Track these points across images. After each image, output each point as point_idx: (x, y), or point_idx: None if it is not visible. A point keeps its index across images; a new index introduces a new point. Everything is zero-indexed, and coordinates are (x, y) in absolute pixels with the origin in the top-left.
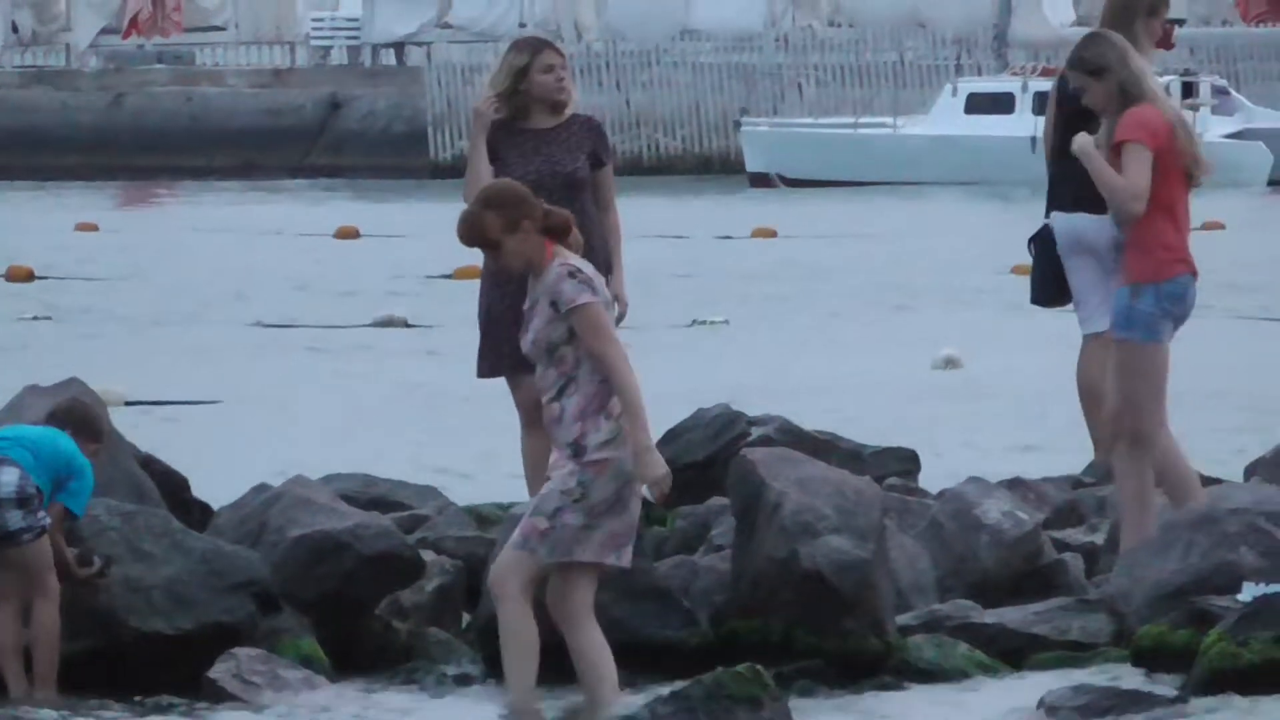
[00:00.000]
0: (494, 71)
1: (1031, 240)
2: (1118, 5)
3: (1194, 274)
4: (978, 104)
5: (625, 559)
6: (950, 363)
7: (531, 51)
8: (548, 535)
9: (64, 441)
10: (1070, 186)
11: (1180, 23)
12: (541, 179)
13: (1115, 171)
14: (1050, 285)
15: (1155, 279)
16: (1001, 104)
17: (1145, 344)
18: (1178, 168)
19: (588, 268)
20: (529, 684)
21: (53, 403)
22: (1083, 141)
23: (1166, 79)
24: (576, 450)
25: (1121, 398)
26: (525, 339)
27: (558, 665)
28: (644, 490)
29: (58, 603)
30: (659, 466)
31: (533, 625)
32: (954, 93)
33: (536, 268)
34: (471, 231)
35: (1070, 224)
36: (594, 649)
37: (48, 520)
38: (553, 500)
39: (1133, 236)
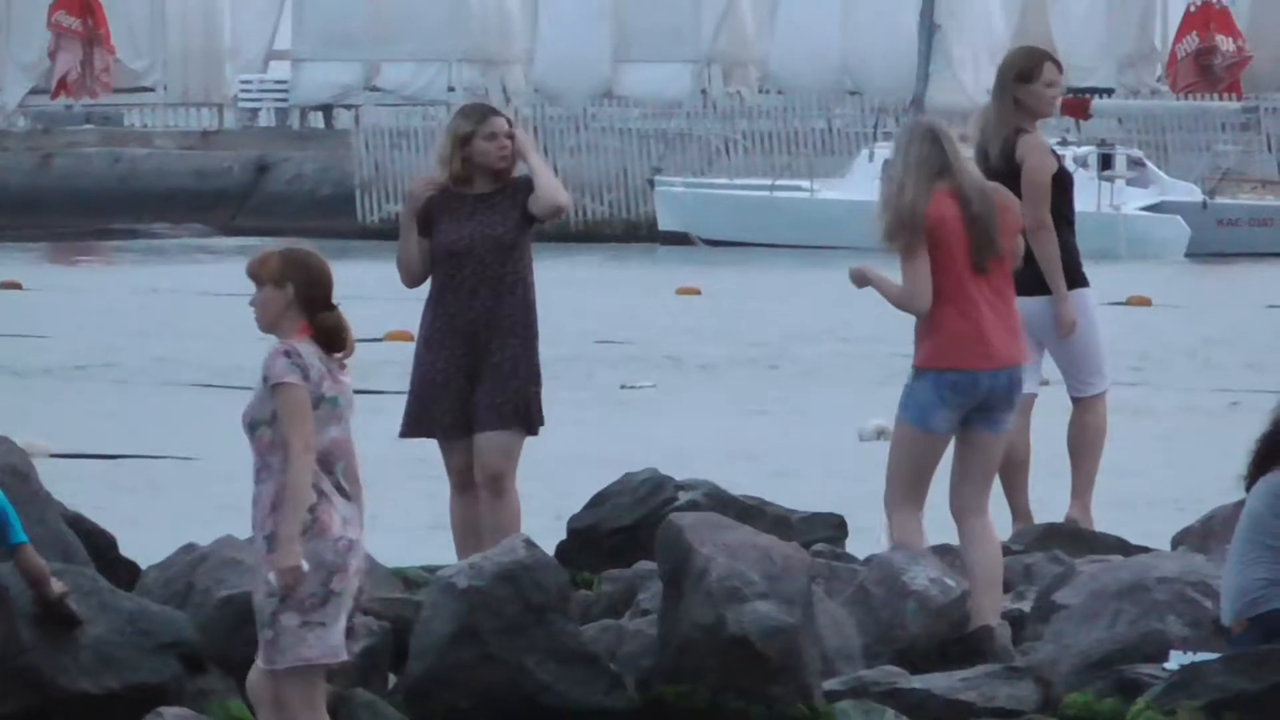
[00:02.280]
0: (440, 139)
1: None
2: (995, 77)
3: (997, 366)
4: None
5: (351, 651)
6: (881, 433)
7: (477, 119)
8: (276, 643)
9: None
10: None
11: (1108, 92)
12: (473, 244)
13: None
14: None
15: (935, 366)
16: None
17: (913, 427)
18: (962, 254)
19: (314, 358)
20: None
21: None
22: (857, 272)
23: (1084, 150)
24: (270, 545)
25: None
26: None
27: None
28: (270, 577)
29: None
30: (293, 559)
31: None
32: (870, 158)
33: (282, 337)
34: (255, 262)
35: None
36: None
37: None
38: (266, 607)
39: (919, 324)
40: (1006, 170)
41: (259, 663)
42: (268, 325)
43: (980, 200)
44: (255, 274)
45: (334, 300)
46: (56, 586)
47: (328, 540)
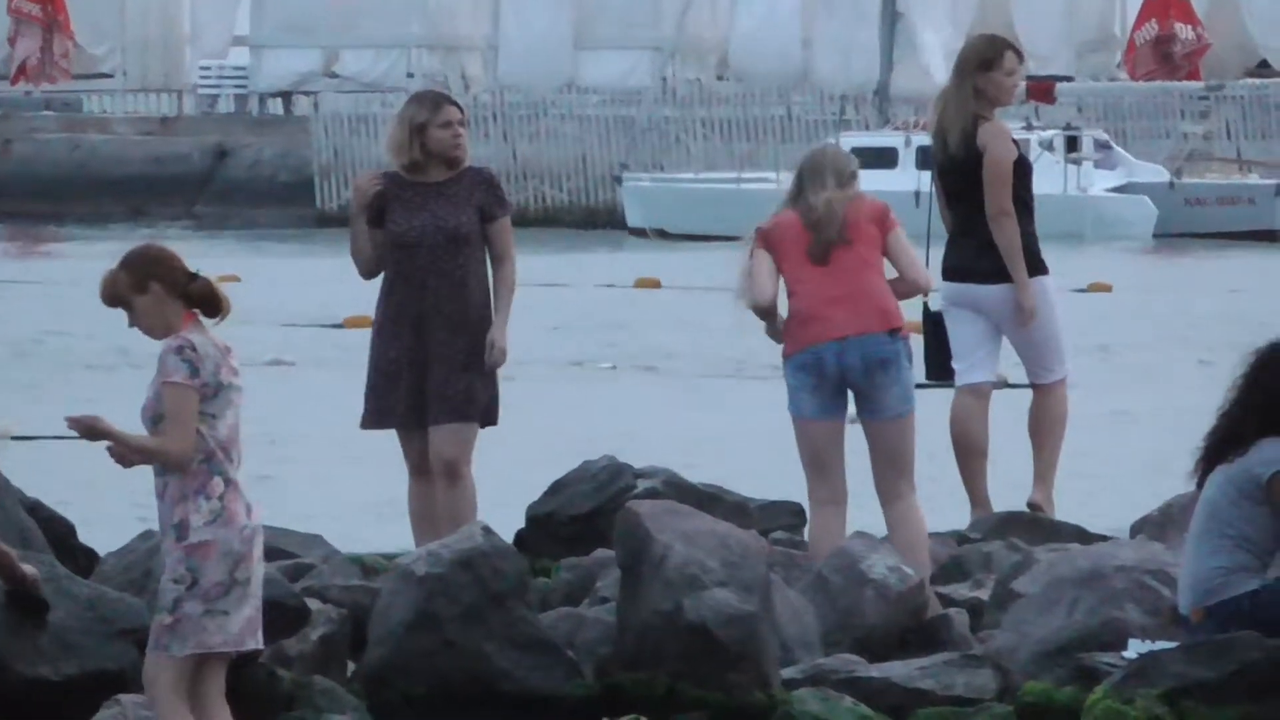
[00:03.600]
0: (392, 125)
1: (924, 318)
2: (955, 65)
3: (835, 336)
4: (861, 158)
5: (259, 640)
6: None
7: (431, 107)
8: (175, 629)
9: None
10: (961, 254)
11: (1068, 79)
12: (425, 234)
13: None
14: (941, 364)
15: (787, 353)
16: (885, 159)
17: (791, 417)
18: (797, 252)
19: (207, 347)
20: None
21: None
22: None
23: (1050, 133)
24: (180, 533)
25: None
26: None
27: None
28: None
29: None
30: (98, 428)
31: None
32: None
33: (175, 333)
34: (104, 289)
35: (960, 289)
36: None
37: None
38: (169, 592)
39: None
40: (966, 158)
41: (149, 648)
42: (161, 331)
43: (822, 206)
44: (115, 297)
45: (190, 269)
46: (27, 570)
47: (234, 528)
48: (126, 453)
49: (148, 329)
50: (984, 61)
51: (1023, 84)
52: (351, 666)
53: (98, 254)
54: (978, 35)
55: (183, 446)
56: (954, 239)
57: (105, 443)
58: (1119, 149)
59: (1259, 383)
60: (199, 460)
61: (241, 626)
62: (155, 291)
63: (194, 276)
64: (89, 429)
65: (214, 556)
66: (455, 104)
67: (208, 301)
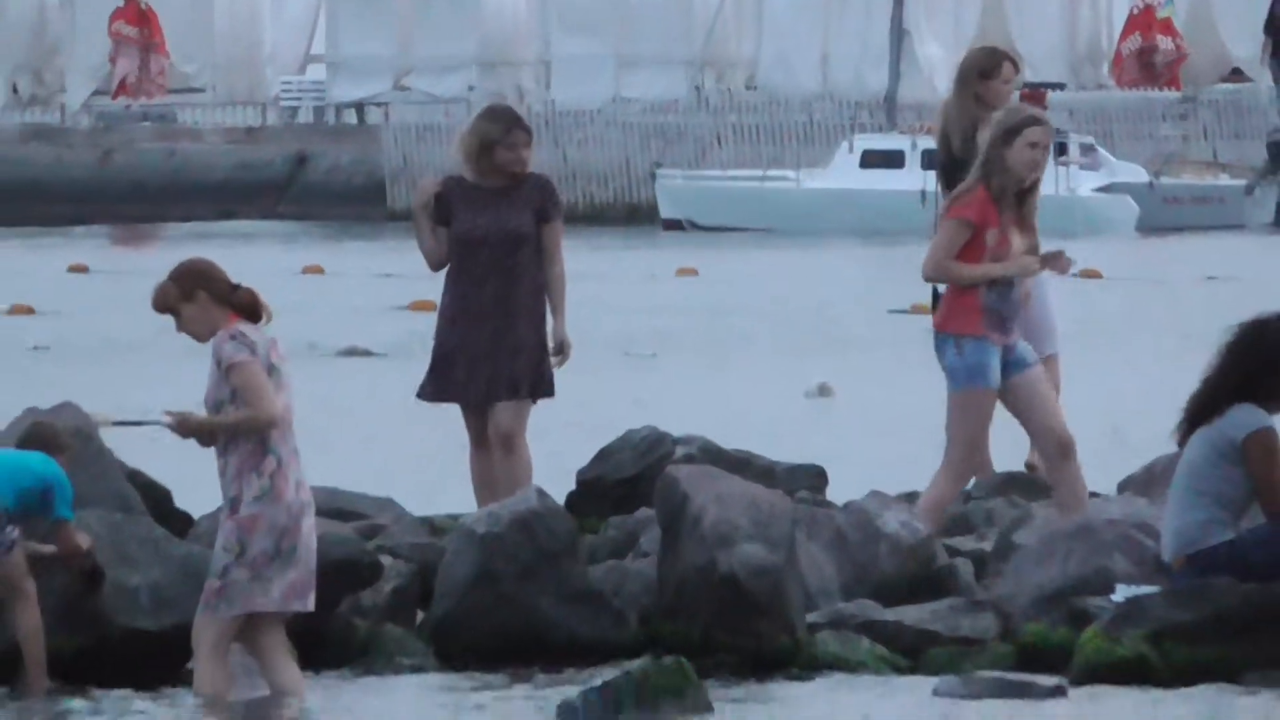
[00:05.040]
0: (464, 132)
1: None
2: (957, 74)
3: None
4: (871, 160)
5: (309, 604)
6: (823, 390)
7: (504, 128)
8: (223, 593)
9: (34, 461)
10: None
11: (1060, 87)
12: (488, 234)
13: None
14: None
15: (977, 333)
16: (893, 160)
17: (978, 389)
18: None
19: (255, 334)
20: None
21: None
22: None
23: None
24: (233, 507)
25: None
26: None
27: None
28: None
29: (35, 603)
30: (180, 421)
31: (224, 678)
32: (850, 149)
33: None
34: (156, 299)
35: None
36: (289, 682)
37: (15, 535)
38: (219, 559)
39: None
40: (967, 157)
41: (200, 608)
42: (207, 334)
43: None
44: (165, 307)
45: (234, 281)
46: (83, 540)
47: (281, 505)
48: (219, 434)
49: (195, 334)
50: (984, 71)
51: (1018, 92)
52: (420, 616)
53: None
54: (978, 47)
55: (269, 411)
56: None
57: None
58: (1103, 151)
59: (1236, 354)
60: (255, 440)
61: (284, 591)
62: (202, 300)
63: (236, 287)
64: (183, 427)
65: (261, 529)
66: (525, 128)
67: (250, 307)
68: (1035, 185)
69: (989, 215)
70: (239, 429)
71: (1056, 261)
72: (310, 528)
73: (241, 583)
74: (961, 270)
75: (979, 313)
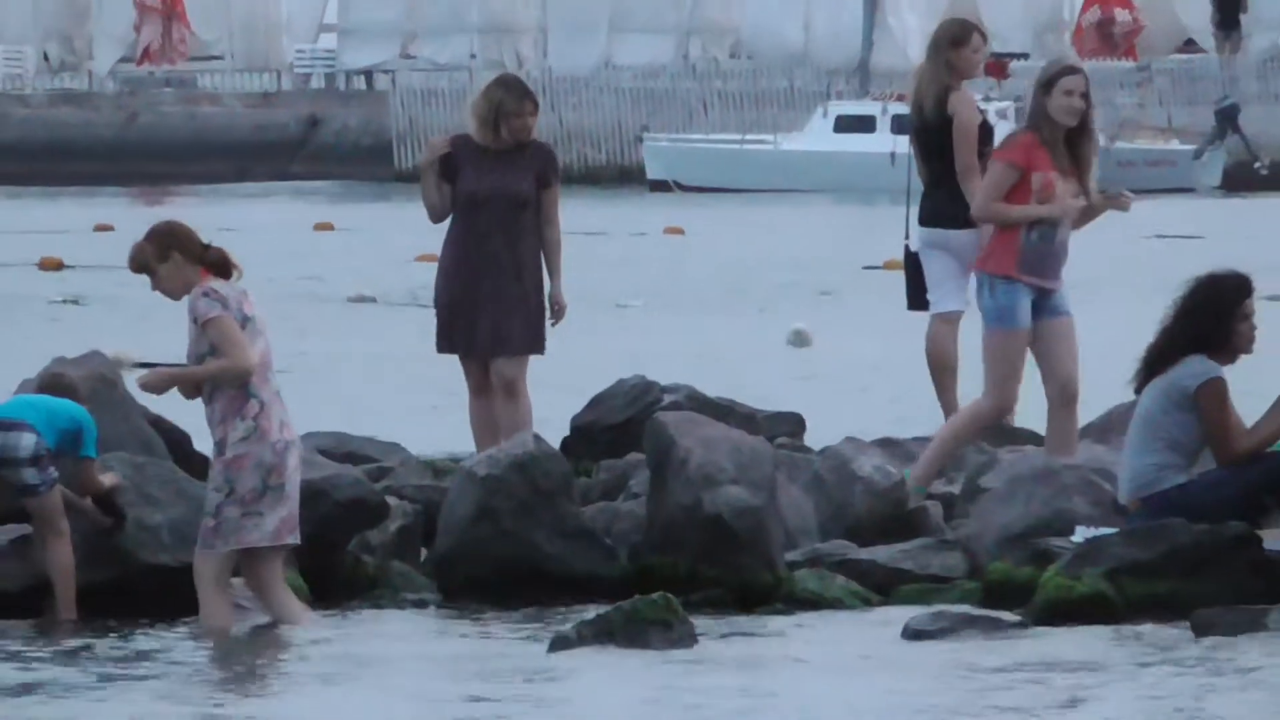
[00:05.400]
0: (479, 99)
1: (905, 257)
2: (930, 43)
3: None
4: (845, 124)
5: (298, 537)
6: (800, 336)
7: (516, 99)
8: (218, 530)
9: (66, 404)
10: (934, 203)
11: (1025, 56)
12: (492, 195)
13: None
14: (919, 296)
15: (1013, 275)
16: (865, 124)
17: (1011, 329)
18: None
19: (226, 289)
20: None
21: (52, 375)
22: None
23: (1004, 104)
24: (219, 449)
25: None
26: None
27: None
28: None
29: (69, 541)
30: (149, 379)
31: (226, 610)
32: (824, 114)
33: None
34: (132, 259)
35: (934, 233)
36: (290, 613)
37: (56, 474)
38: (211, 499)
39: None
40: (938, 122)
41: (198, 547)
42: (180, 292)
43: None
44: (141, 266)
45: (205, 241)
46: (108, 479)
47: (266, 443)
48: (198, 382)
49: (168, 291)
50: (955, 40)
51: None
52: (424, 553)
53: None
54: (949, 18)
55: (244, 360)
56: (928, 190)
57: (172, 389)
58: None
59: (1189, 308)
60: (236, 386)
61: (277, 525)
62: (175, 259)
63: (207, 247)
64: (157, 385)
65: (248, 468)
66: (534, 99)
67: (221, 265)
68: (1086, 132)
69: (1035, 159)
70: (215, 378)
71: (1118, 201)
72: (296, 466)
73: (234, 519)
74: (1008, 210)
75: (1016, 254)
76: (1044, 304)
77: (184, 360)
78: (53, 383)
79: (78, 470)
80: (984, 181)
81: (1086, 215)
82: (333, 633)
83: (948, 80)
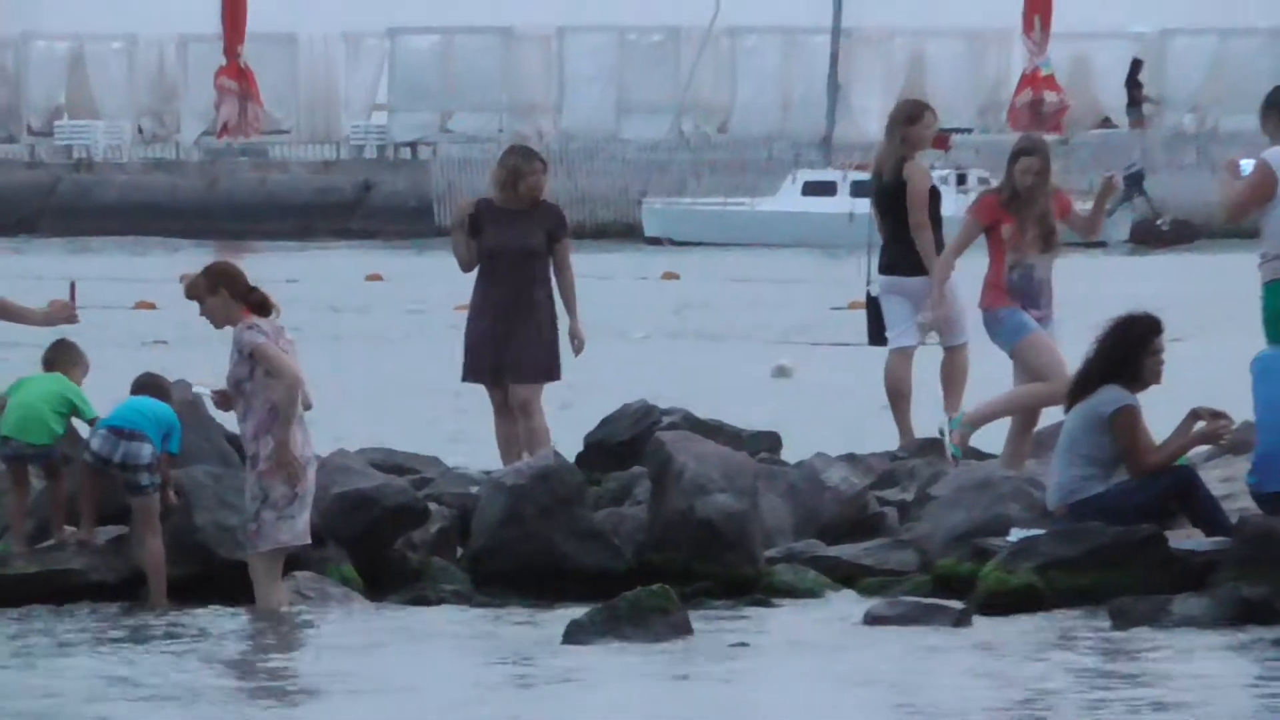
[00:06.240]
0: (496, 167)
1: (867, 301)
2: (889, 119)
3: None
4: (811, 189)
5: (309, 538)
6: (783, 371)
7: (526, 160)
8: (259, 532)
9: (159, 408)
10: (892, 255)
11: (967, 131)
12: (509, 248)
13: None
14: (879, 333)
15: (1009, 305)
16: (828, 189)
17: (1030, 334)
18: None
19: (266, 324)
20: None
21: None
22: None
23: (944, 172)
24: (253, 462)
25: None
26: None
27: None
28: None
29: (162, 539)
30: (287, 455)
31: (279, 599)
32: (793, 180)
33: (234, 326)
34: (187, 288)
35: (892, 280)
36: (274, 594)
37: (160, 480)
38: (250, 506)
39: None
40: (895, 186)
41: (247, 549)
42: (222, 322)
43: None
44: (194, 296)
45: (251, 283)
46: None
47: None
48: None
49: (213, 320)
50: (910, 117)
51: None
52: (459, 551)
53: (281, 261)
54: (904, 98)
55: (293, 372)
56: (886, 244)
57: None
58: (995, 182)
59: (1106, 344)
60: (267, 408)
61: (303, 528)
62: (223, 295)
63: (253, 288)
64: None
65: (277, 478)
66: (542, 159)
67: (262, 305)
68: (1041, 190)
69: (998, 215)
70: (283, 401)
71: (1108, 185)
72: (313, 478)
73: (271, 521)
74: (935, 261)
75: (1005, 290)
76: None
77: (224, 381)
78: (149, 382)
79: (161, 460)
80: (959, 231)
81: (1094, 219)
82: (384, 620)
83: (903, 152)
